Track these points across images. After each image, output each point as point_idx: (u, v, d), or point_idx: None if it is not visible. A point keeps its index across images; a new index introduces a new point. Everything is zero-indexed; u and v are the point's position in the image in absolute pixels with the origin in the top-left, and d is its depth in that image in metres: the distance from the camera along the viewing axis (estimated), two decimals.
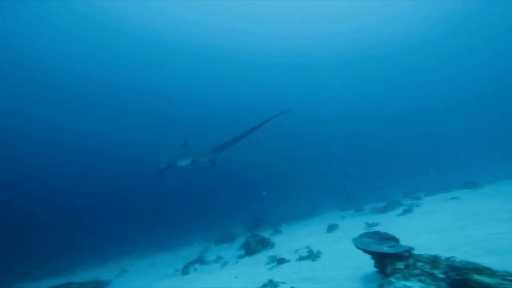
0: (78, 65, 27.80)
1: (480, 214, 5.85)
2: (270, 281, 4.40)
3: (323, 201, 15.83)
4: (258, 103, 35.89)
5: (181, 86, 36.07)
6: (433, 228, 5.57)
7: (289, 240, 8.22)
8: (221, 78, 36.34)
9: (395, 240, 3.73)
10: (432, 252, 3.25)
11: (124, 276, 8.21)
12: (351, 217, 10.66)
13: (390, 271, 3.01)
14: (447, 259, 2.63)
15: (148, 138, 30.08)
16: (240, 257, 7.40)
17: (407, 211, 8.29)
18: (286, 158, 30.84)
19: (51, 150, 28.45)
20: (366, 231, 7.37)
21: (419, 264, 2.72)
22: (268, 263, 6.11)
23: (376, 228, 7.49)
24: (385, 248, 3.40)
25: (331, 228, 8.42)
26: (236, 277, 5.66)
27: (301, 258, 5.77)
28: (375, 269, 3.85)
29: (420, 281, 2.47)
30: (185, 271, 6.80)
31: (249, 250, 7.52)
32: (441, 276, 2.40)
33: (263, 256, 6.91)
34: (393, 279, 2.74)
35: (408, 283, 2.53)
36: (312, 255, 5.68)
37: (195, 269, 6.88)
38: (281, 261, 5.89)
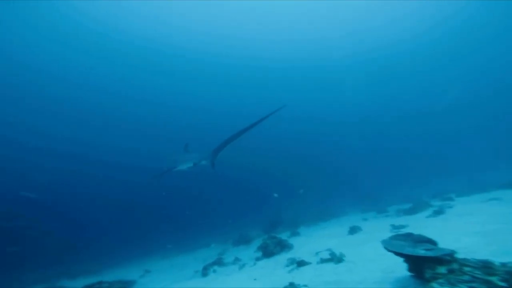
0: (71, 71, 27.16)
1: None
2: (291, 284, 4.19)
3: (342, 202, 15.19)
4: (268, 107, 35.52)
5: (182, 92, 35.38)
6: (474, 230, 5.01)
7: (308, 242, 7.89)
8: (224, 83, 36.02)
9: (432, 242, 3.35)
10: (478, 256, 2.86)
11: (147, 277, 8.42)
12: (374, 219, 10.05)
13: (429, 276, 2.68)
14: (503, 264, 2.27)
15: (149, 142, 30.46)
16: (257, 259, 7.22)
17: (438, 212, 7.61)
18: (302, 161, 30.24)
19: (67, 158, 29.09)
20: (392, 233, 6.94)
21: (467, 269, 2.37)
22: (287, 266, 5.87)
23: (403, 230, 6.96)
24: (421, 251, 3.06)
25: (353, 230, 7.97)
26: (255, 279, 5.49)
27: (323, 261, 5.46)
28: (409, 273, 3.49)
29: None
30: (204, 272, 6.80)
31: (267, 252, 7.32)
32: (502, 284, 2.05)
33: (281, 258, 6.68)
34: (435, 285, 2.42)
35: None
36: (335, 258, 5.36)
37: (214, 271, 6.83)
38: (301, 263, 5.63)
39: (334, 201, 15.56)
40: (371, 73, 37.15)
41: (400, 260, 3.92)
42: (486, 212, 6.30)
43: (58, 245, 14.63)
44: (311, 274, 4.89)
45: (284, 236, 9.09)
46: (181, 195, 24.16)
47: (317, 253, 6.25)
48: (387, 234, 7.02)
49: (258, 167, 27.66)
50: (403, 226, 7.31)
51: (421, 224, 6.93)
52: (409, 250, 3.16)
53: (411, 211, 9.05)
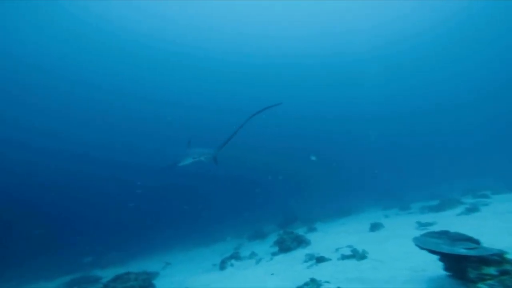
0: (72, 69, 26.47)
1: None
2: (313, 280, 4.01)
3: (361, 199, 14.62)
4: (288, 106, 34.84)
5: (186, 90, 34.66)
6: None
7: (326, 238, 7.65)
8: (225, 80, 35.35)
9: (474, 241, 3.01)
10: None
11: (169, 269, 8.74)
12: (396, 216, 9.53)
13: (474, 277, 2.39)
14: None
15: (163, 139, 30.35)
16: (274, 254, 7.12)
17: (472, 210, 7.00)
18: (319, 159, 29.51)
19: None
20: (419, 231, 6.51)
21: None
22: (305, 261, 5.70)
23: (431, 228, 6.49)
24: (461, 250, 2.75)
25: (375, 227, 7.58)
26: (272, 274, 5.39)
27: (344, 257, 5.22)
28: (446, 273, 3.19)
29: None
30: (222, 266, 6.85)
31: (284, 247, 7.18)
32: None
33: (299, 253, 6.51)
34: (483, 286, 2.14)
35: None
36: (357, 255, 5.09)
37: (232, 265, 6.85)
38: (320, 259, 5.43)
39: (352, 198, 15.02)
40: (391, 67, 35.13)
41: (430, 258, 3.61)
42: None
43: (91, 237, 15.67)
44: (331, 270, 4.69)
45: (300, 231, 8.90)
46: (196, 191, 24.70)
47: (337, 249, 6.02)
48: (413, 231, 6.60)
49: (273, 165, 27.37)
50: (430, 224, 6.83)
51: (451, 222, 6.41)
52: (448, 249, 2.85)
53: (438, 208, 8.44)
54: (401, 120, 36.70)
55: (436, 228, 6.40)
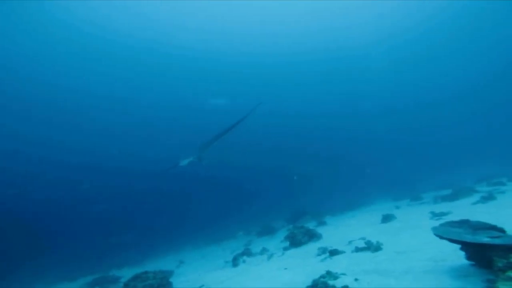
0: (61, 74, 25.62)
1: None
2: (328, 273, 3.96)
3: (370, 191, 14.44)
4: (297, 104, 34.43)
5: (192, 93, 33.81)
6: None
7: (338, 232, 7.59)
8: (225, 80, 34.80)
9: (498, 229, 2.89)
10: None
11: (183, 267, 8.88)
12: (408, 206, 9.37)
13: (503, 265, 2.29)
14: None
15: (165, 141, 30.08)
16: (285, 249, 7.10)
17: (488, 198, 6.81)
18: (329, 152, 29.27)
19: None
20: (433, 221, 6.37)
21: None
22: (318, 255, 5.66)
23: (446, 218, 6.35)
24: (486, 239, 2.65)
25: (387, 218, 7.47)
26: (286, 268, 5.37)
27: (358, 250, 5.15)
28: (468, 262, 3.09)
29: None
30: (235, 263, 6.89)
31: (295, 241, 7.15)
32: None
33: (311, 247, 6.48)
34: None
35: None
36: (371, 247, 5.02)
37: (244, 261, 6.88)
38: (334, 252, 5.38)
39: (361, 190, 14.86)
40: (396, 61, 34.18)
41: (449, 248, 3.52)
42: None
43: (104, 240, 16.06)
44: (346, 263, 4.63)
45: (310, 225, 8.85)
46: (205, 191, 24.85)
47: (350, 242, 5.95)
48: (427, 221, 6.47)
49: (281, 161, 27.23)
50: (445, 214, 6.68)
51: (468, 211, 6.25)
52: (471, 238, 2.75)
53: (451, 198, 8.25)
54: (410, 112, 35.96)
55: (451, 218, 6.25)
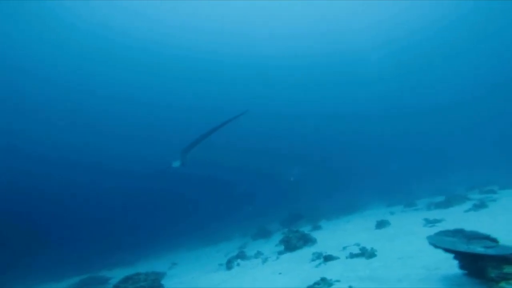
0: (62, 73, 25.38)
1: None
2: (323, 279, 3.95)
3: (365, 196, 14.55)
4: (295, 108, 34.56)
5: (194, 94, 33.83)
6: None
7: (333, 237, 7.60)
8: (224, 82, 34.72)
9: (491, 239, 2.93)
10: None
11: (175, 269, 8.73)
12: (402, 212, 9.46)
13: (495, 276, 2.31)
14: None
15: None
16: (280, 253, 7.08)
17: (479, 206, 6.92)
18: (322, 156, 29.41)
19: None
20: (427, 228, 6.45)
21: None
22: (313, 260, 5.65)
23: (439, 225, 6.44)
24: (480, 249, 2.68)
25: (381, 224, 7.51)
26: (280, 273, 5.34)
27: (353, 256, 5.16)
28: (461, 271, 3.12)
29: None
30: (229, 266, 6.82)
31: (290, 246, 7.13)
32: None
33: (305, 252, 6.47)
34: (507, 286, 2.06)
35: None
36: (366, 253, 5.03)
37: (238, 264, 6.82)
38: (328, 258, 5.37)
39: (355, 195, 14.96)
40: (392, 66, 34.71)
41: (442, 256, 3.55)
42: None
43: (94, 240, 15.72)
44: (341, 269, 4.63)
45: (305, 229, 8.85)
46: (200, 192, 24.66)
47: (344, 248, 5.96)
48: (421, 228, 6.54)
49: (276, 164, 27.26)
50: (438, 221, 6.76)
51: (460, 219, 6.34)
52: (465, 247, 2.78)
53: (445, 205, 8.36)
54: (404, 117, 36.51)
55: (444, 225, 6.35)
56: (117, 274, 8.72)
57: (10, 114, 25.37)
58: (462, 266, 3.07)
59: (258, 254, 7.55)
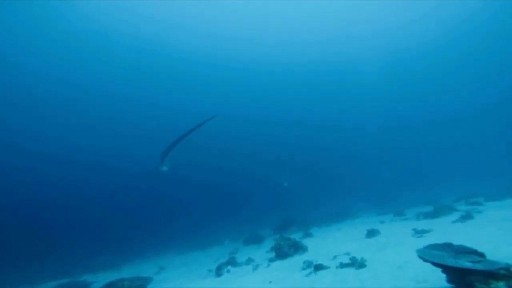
0: (65, 71, 25.43)
1: None
2: None
3: (355, 204, 14.71)
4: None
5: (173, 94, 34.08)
6: None
7: (324, 245, 7.60)
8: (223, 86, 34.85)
9: (478, 254, 3.00)
10: None
11: (163, 274, 8.44)
12: (392, 222, 9.59)
13: None
14: None
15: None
16: (271, 260, 7.01)
17: (466, 217, 7.11)
18: (313, 164, 29.67)
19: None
20: (415, 238, 6.55)
21: None
22: (303, 269, 5.62)
23: (427, 235, 6.56)
24: (467, 263, 2.73)
25: (371, 233, 7.59)
26: (270, 281, 5.28)
27: (343, 266, 5.16)
28: (449, 285, 3.16)
29: None
30: (218, 272, 6.69)
31: (281, 253, 7.08)
32: None
33: (296, 260, 6.43)
34: None
35: None
36: (356, 263, 5.05)
37: (228, 271, 6.70)
38: (319, 267, 5.36)
39: (346, 202, 15.10)
40: (386, 75, 35.67)
41: (431, 268, 3.58)
42: None
43: (77, 242, 15.06)
44: (331, 279, 4.62)
45: (296, 237, 8.81)
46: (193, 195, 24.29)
47: (335, 257, 5.97)
48: (409, 238, 6.64)
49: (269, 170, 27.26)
50: (426, 231, 6.88)
51: (447, 230, 6.47)
52: (452, 262, 2.83)
53: (433, 215, 8.54)
54: (398, 128, 37.43)
55: (432, 236, 6.47)
56: (100, 279, 8.38)
57: (9, 114, 24.79)
58: (449, 280, 3.11)
59: (249, 260, 7.46)
